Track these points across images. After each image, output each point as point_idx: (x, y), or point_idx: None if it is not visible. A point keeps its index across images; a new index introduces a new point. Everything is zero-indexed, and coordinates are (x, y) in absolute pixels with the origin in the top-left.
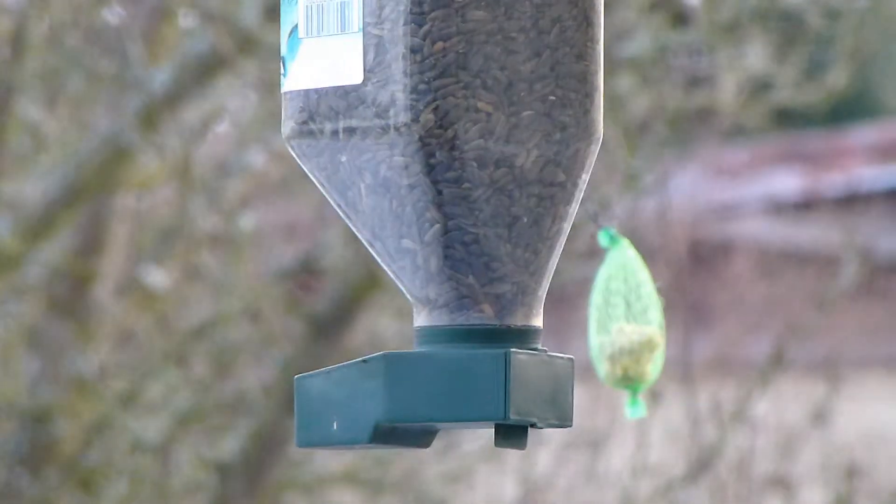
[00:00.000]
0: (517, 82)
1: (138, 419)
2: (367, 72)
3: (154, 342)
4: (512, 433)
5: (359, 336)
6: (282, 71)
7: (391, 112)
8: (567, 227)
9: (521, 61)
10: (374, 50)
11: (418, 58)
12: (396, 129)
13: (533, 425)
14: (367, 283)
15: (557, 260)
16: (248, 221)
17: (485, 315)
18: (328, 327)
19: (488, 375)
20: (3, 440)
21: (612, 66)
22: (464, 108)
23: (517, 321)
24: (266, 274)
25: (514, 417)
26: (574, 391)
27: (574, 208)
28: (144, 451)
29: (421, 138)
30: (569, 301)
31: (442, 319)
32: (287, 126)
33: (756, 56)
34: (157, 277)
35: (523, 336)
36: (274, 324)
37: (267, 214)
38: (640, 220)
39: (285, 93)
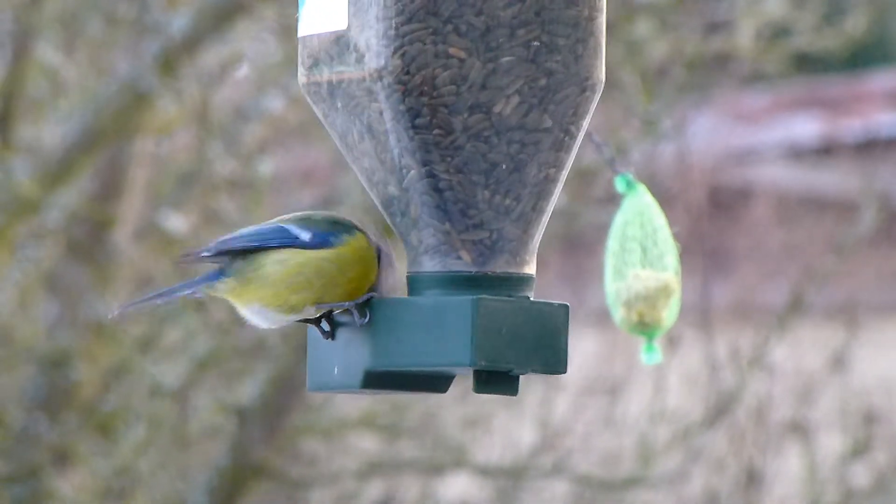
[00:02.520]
0: (495, 28)
1: (157, 364)
2: (351, 17)
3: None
4: (496, 379)
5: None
6: (298, 17)
7: (367, 58)
8: (560, 173)
9: (501, 7)
10: None
11: (389, 3)
12: (370, 75)
13: (509, 372)
14: (384, 229)
15: (551, 206)
16: (265, 166)
17: (463, 261)
18: None
19: (456, 322)
20: (22, 384)
21: (631, 12)
22: (433, 53)
23: (497, 268)
24: None
25: (481, 363)
26: (567, 337)
27: (568, 155)
28: (163, 396)
29: (390, 84)
30: (586, 247)
31: (425, 265)
32: (300, 72)
33: (775, 1)
34: (176, 222)
35: (504, 283)
36: None
37: (285, 159)
38: (659, 165)
39: (299, 38)
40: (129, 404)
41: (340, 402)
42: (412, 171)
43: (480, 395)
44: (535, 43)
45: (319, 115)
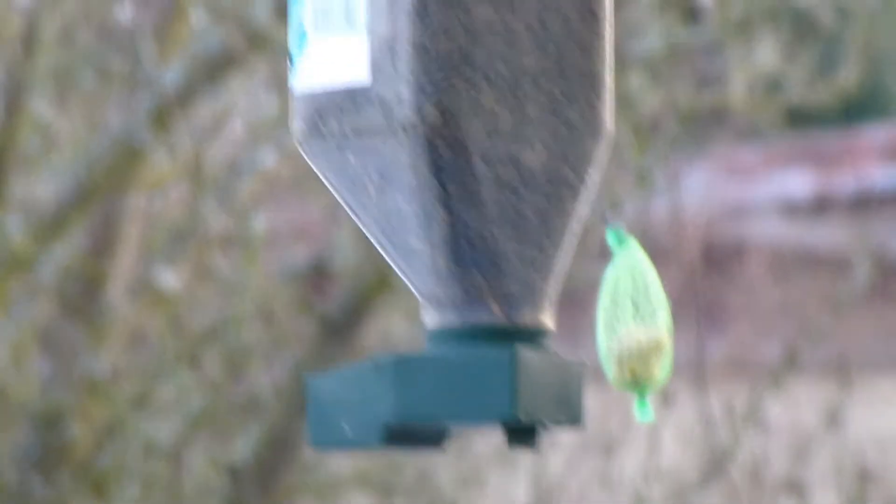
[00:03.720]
0: (522, 78)
1: (150, 421)
2: (373, 70)
3: (166, 343)
4: (522, 434)
5: (370, 337)
6: (290, 68)
7: (396, 111)
8: (576, 225)
9: (525, 56)
10: (380, 48)
11: (423, 55)
12: (402, 128)
13: (542, 425)
14: (377, 285)
15: (569, 258)
16: (259, 222)
17: (493, 314)
18: (340, 328)
19: (496, 375)
20: (16, 443)
21: (623, 65)
22: (469, 105)
23: (526, 320)
24: (278, 275)
25: (522, 417)
26: (585, 392)
27: (583, 206)
28: (157, 454)
29: (426, 137)
30: (579, 303)
31: (451, 319)
32: (297, 126)
33: (766, 54)
34: (169, 278)
35: (532, 335)
36: (286, 325)
37: (279, 215)
38: (652, 220)
39: (294, 92)
40: (123, 462)
41: (334, 461)
42: (444, 224)
43: (474, 451)
44: (556, 93)
45: (318, 169)
